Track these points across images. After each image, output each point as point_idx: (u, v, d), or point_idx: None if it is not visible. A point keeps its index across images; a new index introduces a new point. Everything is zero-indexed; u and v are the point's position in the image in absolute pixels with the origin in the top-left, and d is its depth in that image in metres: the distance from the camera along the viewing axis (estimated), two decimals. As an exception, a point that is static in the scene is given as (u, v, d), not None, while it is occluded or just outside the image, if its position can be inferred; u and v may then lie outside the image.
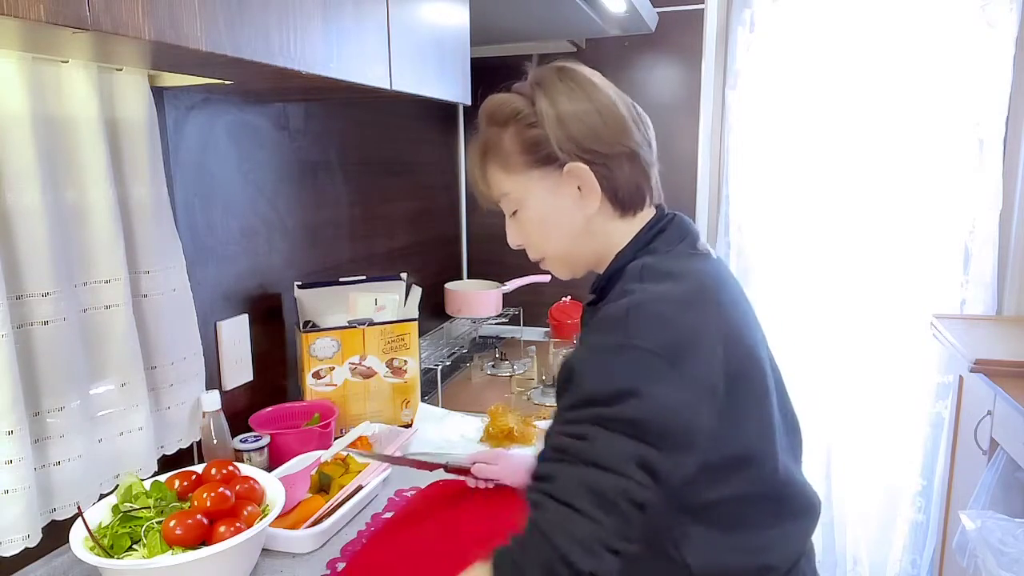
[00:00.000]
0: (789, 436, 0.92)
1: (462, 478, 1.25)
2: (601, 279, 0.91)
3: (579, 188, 0.88)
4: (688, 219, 0.94)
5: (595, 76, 0.91)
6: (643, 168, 0.90)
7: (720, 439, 0.80)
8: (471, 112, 2.38)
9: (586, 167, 0.86)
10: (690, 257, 0.88)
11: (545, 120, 0.86)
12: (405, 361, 1.57)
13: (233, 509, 0.95)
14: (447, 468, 1.25)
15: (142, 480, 0.99)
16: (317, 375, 1.48)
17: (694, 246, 0.90)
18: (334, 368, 1.50)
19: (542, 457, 0.78)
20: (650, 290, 0.81)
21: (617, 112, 0.88)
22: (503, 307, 2.20)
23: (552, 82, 0.88)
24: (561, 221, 0.90)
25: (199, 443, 1.28)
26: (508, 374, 2.00)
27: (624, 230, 0.90)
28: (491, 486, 1.24)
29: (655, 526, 0.80)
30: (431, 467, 1.25)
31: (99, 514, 0.95)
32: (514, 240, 0.97)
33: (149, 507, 0.95)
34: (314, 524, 1.09)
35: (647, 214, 0.92)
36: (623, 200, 0.89)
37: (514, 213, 0.93)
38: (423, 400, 1.67)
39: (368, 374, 1.54)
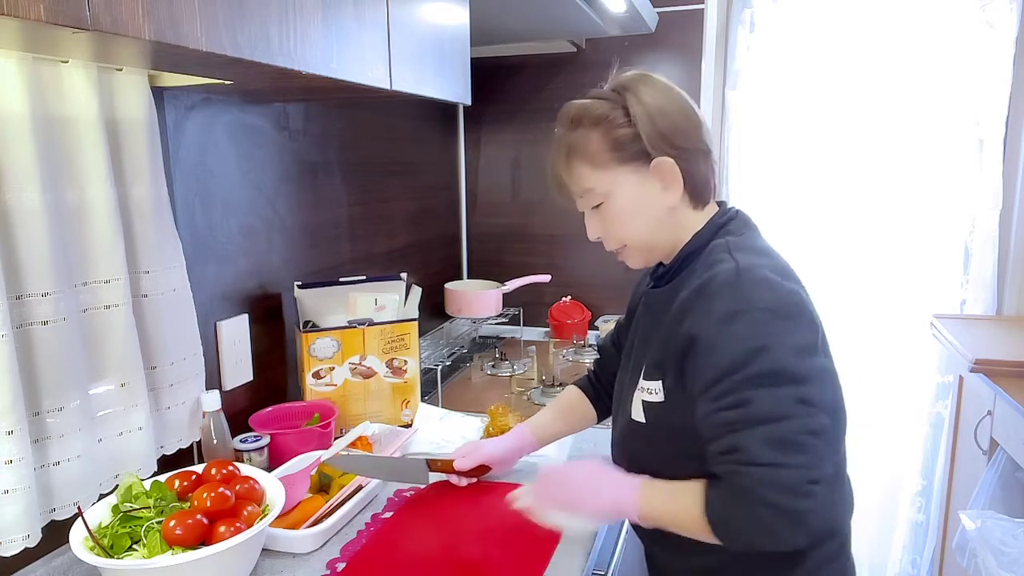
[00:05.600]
0: None
1: (446, 477, 1.25)
2: (675, 260, 0.99)
3: (662, 181, 0.94)
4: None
5: (668, 81, 0.98)
6: (712, 165, 0.98)
7: (836, 387, 0.91)
8: (471, 112, 2.40)
9: (672, 161, 0.93)
10: (762, 240, 0.98)
11: (638, 119, 0.93)
12: (405, 361, 1.57)
13: (233, 509, 0.95)
14: (430, 463, 1.24)
15: (142, 480, 0.99)
16: (317, 375, 1.48)
17: (759, 232, 1.00)
18: (334, 368, 1.49)
19: (711, 437, 0.85)
20: (745, 259, 0.89)
21: (694, 112, 0.97)
22: (503, 307, 2.21)
23: (638, 84, 0.95)
24: (645, 212, 0.97)
25: (199, 443, 1.28)
26: (508, 374, 2.00)
27: (696, 220, 0.99)
28: (474, 480, 1.25)
29: None
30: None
31: (99, 514, 0.95)
32: (594, 233, 1.02)
33: (149, 507, 0.94)
34: (314, 524, 1.09)
35: (712, 207, 1.00)
36: (698, 193, 0.97)
37: (597, 206, 0.99)
38: (423, 400, 1.67)
39: (368, 374, 1.54)
